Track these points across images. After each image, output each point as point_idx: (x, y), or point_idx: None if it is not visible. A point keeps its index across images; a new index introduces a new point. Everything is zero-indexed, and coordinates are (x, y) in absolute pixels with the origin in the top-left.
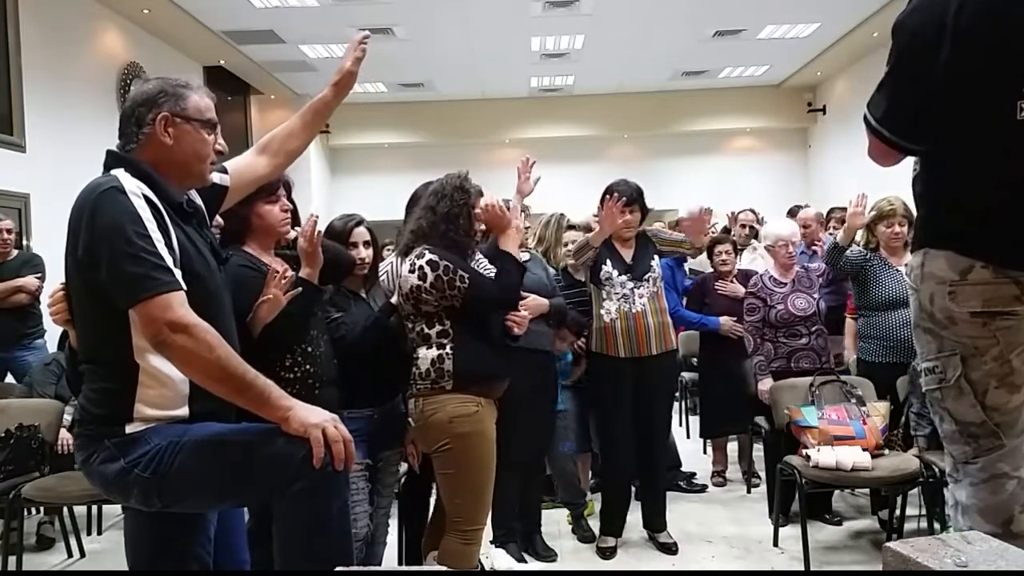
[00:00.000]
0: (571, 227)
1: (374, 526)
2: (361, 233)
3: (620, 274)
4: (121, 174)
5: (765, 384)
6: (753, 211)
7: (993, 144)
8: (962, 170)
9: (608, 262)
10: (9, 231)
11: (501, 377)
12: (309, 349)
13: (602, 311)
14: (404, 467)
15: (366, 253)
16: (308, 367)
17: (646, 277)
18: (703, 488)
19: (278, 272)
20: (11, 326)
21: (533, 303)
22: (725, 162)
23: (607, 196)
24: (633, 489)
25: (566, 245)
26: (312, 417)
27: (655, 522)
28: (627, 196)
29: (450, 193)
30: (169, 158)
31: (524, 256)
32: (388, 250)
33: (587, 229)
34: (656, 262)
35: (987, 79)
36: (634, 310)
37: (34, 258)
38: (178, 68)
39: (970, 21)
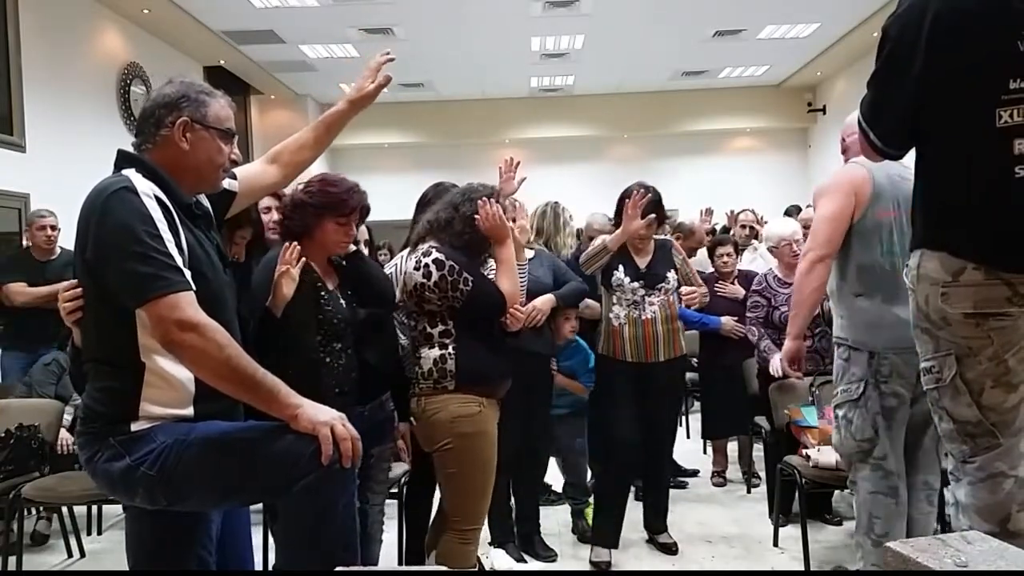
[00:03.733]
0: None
1: (368, 524)
2: (360, 232)
3: (632, 280)
4: (132, 174)
5: (776, 358)
6: (753, 211)
7: (976, 151)
8: (948, 174)
9: (620, 267)
10: (54, 228)
11: (504, 377)
12: (328, 360)
13: (611, 315)
14: (404, 467)
15: (363, 252)
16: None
17: (659, 287)
18: (694, 473)
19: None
20: (47, 327)
21: (542, 304)
22: (725, 162)
23: (627, 198)
24: (633, 489)
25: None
26: (321, 415)
27: (656, 523)
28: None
29: (478, 200)
30: (183, 163)
31: (529, 254)
32: (383, 254)
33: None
34: (673, 275)
35: (965, 87)
36: (643, 317)
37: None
38: (178, 68)
39: (947, 31)
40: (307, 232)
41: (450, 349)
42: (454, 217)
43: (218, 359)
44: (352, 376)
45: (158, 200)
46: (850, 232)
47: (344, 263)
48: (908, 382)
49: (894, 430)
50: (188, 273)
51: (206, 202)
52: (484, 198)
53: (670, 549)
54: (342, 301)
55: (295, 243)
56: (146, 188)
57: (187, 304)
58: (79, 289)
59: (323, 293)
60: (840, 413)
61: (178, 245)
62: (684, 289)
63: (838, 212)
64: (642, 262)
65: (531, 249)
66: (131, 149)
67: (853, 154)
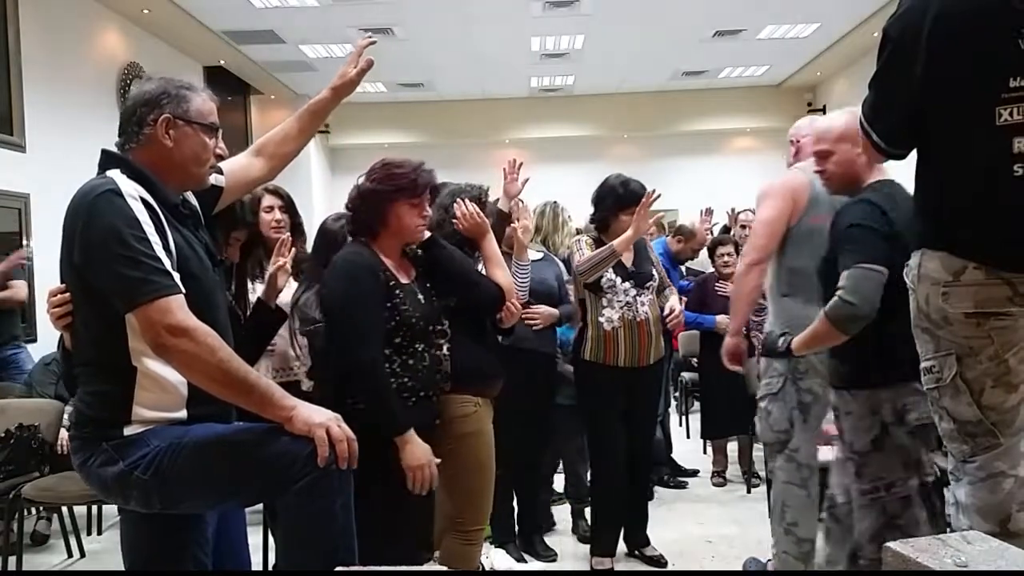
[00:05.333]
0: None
1: None
2: None
3: (623, 281)
4: (117, 175)
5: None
6: (753, 211)
7: (977, 149)
8: (950, 174)
9: (609, 268)
10: None
11: (497, 376)
12: (411, 362)
13: (601, 319)
14: None
15: None
16: (406, 379)
17: (648, 285)
18: (694, 473)
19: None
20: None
21: (546, 313)
22: (725, 162)
23: (616, 200)
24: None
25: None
26: (316, 416)
27: (640, 538)
28: (641, 195)
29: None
30: (168, 160)
31: (536, 255)
32: None
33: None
34: (655, 272)
35: (966, 86)
36: (638, 319)
37: None
38: (178, 68)
39: (947, 30)
40: (381, 220)
41: (445, 350)
42: (444, 219)
43: (210, 363)
44: (437, 378)
45: (144, 202)
46: (786, 236)
47: (419, 253)
48: (825, 380)
49: (810, 423)
50: (177, 276)
51: (193, 200)
52: (459, 199)
53: (659, 561)
54: (420, 296)
55: (288, 236)
56: (131, 190)
57: (177, 308)
58: (67, 294)
59: (397, 291)
60: (763, 405)
61: (166, 247)
62: (669, 309)
63: (775, 217)
64: (628, 260)
65: (539, 252)
66: (116, 149)
67: (804, 156)
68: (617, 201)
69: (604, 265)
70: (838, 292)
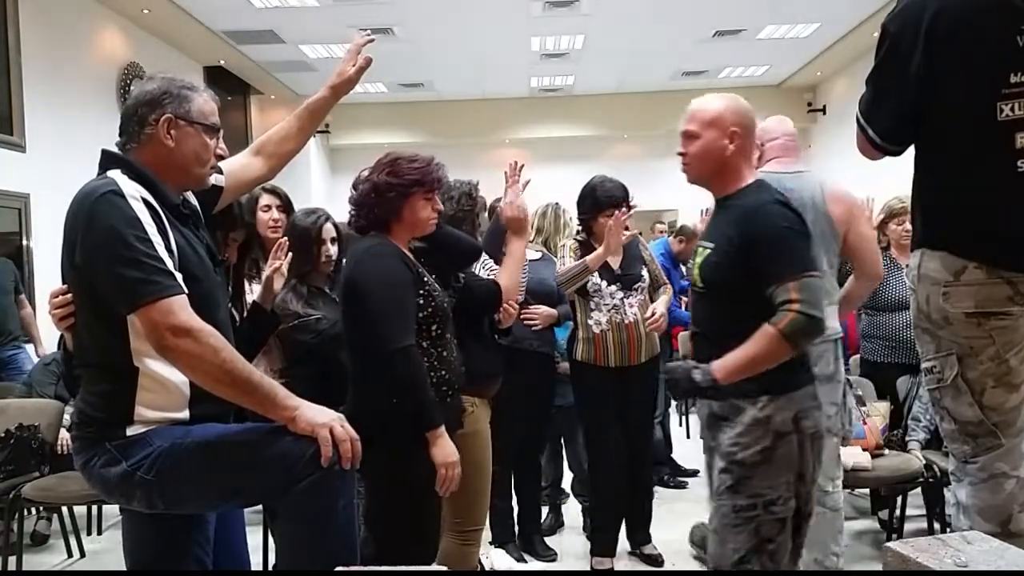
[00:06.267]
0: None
1: None
2: (329, 230)
3: (609, 284)
4: (118, 176)
5: None
6: None
7: (977, 146)
8: (950, 172)
9: (595, 272)
10: None
11: (495, 376)
12: (445, 354)
13: (590, 322)
14: None
15: (334, 250)
16: (444, 373)
17: (636, 286)
18: (694, 473)
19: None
20: None
21: (545, 313)
22: None
23: (594, 203)
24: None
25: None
26: (319, 417)
27: (640, 536)
28: (622, 199)
29: (458, 197)
30: (169, 160)
31: (534, 255)
32: None
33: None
34: (645, 272)
35: (966, 83)
36: (626, 321)
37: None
38: (178, 68)
39: (947, 27)
40: (395, 214)
41: None
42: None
43: (214, 363)
44: (463, 371)
45: (145, 202)
46: None
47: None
48: None
49: None
50: (179, 276)
51: (194, 200)
52: (512, 182)
53: (656, 560)
54: (438, 285)
55: (285, 239)
56: (132, 191)
57: (180, 309)
58: (69, 295)
59: (425, 279)
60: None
61: (168, 248)
62: (651, 312)
63: None
64: (615, 262)
65: (538, 251)
66: (116, 149)
67: (764, 161)
68: (595, 204)
69: (578, 280)
70: (793, 305)
